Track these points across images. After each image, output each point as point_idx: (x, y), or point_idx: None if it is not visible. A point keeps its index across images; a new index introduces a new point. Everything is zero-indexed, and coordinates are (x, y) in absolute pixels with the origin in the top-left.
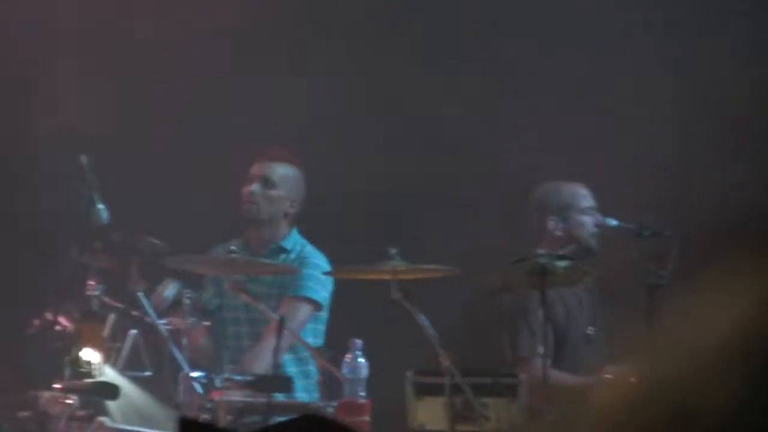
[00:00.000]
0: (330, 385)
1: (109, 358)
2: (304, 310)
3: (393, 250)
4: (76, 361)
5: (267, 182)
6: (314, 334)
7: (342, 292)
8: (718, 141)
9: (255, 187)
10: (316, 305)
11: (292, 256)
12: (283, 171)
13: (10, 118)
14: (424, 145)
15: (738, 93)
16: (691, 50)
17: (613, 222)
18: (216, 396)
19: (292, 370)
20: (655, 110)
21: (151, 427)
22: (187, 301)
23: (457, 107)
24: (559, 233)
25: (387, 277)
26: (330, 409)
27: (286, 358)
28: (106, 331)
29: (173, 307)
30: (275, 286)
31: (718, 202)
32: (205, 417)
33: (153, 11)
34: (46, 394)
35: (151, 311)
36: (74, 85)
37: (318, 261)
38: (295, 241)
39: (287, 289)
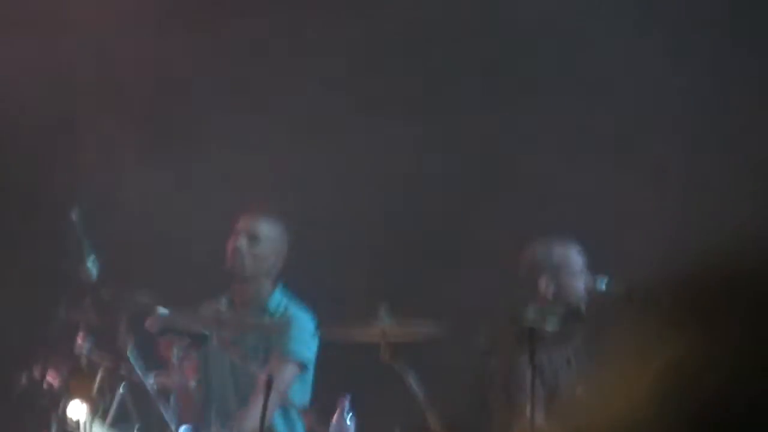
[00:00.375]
0: None
1: (97, 414)
2: (290, 371)
3: (382, 310)
4: (64, 418)
5: (252, 238)
6: (301, 394)
7: (329, 350)
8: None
9: (241, 243)
10: (302, 366)
11: (277, 315)
12: (267, 227)
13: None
14: (413, 201)
15: None
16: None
17: (604, 283)
18: None
19: (281, 429)
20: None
21: None
22: (175, 357)
23: (448, 164)
24: (549, 294)
25: (376, 337)
26: None
27: (275, 417)
28: (95, 387)
29: (165, 331)
30: (261, 345)
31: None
32: None
33: (137, 64)
34: None
35: (139, 368)
36: (66, 140)
37: (303, 320)
38: (279, 300)
39: (273, 349)
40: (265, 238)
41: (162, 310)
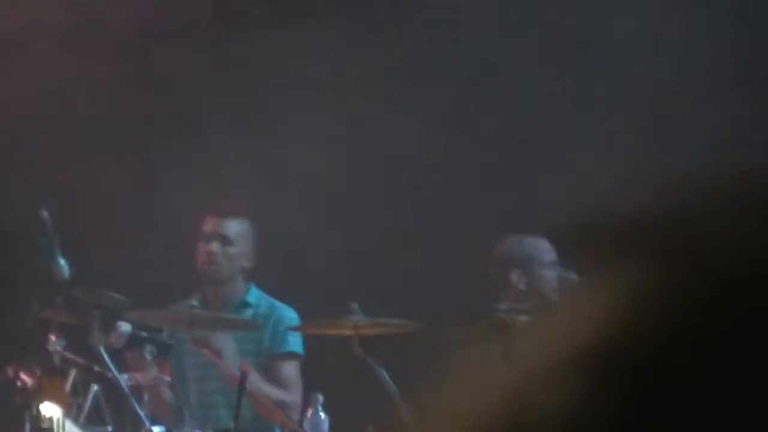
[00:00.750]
0: None
1: (71, 413)
2: (295, 366)
3: (354, 305)
4: (37, 417)
5: (224, 240)
6: None
7: (303, 346)
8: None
9: (214, 247)
10: (301, 359)
11: (260, 310)
12: (237, 226)
13: None
14: (386, 199)
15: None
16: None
17: (576, 276)
18: None
19: (255, 424)
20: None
21: None
22: (148, 356)
23: (423, 159)
24: (521, 287)
25: (348, 332)
26: None
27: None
28: (68, 386)
29: (128, 346)
30: (249, 341)
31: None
32: None
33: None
34: None
35: (112, 366)
36: (35, 137)
37: (291, 314)
38: (257, 295)
39: (271, 347)
40: (236, 237)
41: (124, 327)
